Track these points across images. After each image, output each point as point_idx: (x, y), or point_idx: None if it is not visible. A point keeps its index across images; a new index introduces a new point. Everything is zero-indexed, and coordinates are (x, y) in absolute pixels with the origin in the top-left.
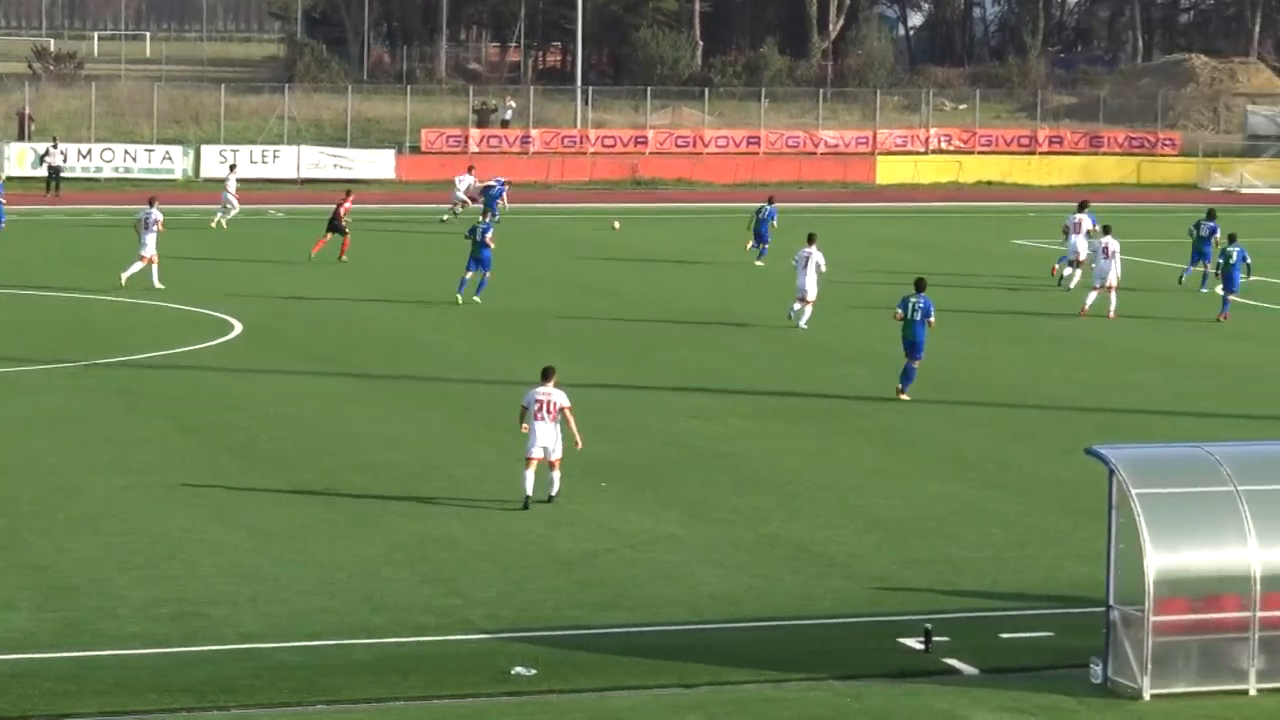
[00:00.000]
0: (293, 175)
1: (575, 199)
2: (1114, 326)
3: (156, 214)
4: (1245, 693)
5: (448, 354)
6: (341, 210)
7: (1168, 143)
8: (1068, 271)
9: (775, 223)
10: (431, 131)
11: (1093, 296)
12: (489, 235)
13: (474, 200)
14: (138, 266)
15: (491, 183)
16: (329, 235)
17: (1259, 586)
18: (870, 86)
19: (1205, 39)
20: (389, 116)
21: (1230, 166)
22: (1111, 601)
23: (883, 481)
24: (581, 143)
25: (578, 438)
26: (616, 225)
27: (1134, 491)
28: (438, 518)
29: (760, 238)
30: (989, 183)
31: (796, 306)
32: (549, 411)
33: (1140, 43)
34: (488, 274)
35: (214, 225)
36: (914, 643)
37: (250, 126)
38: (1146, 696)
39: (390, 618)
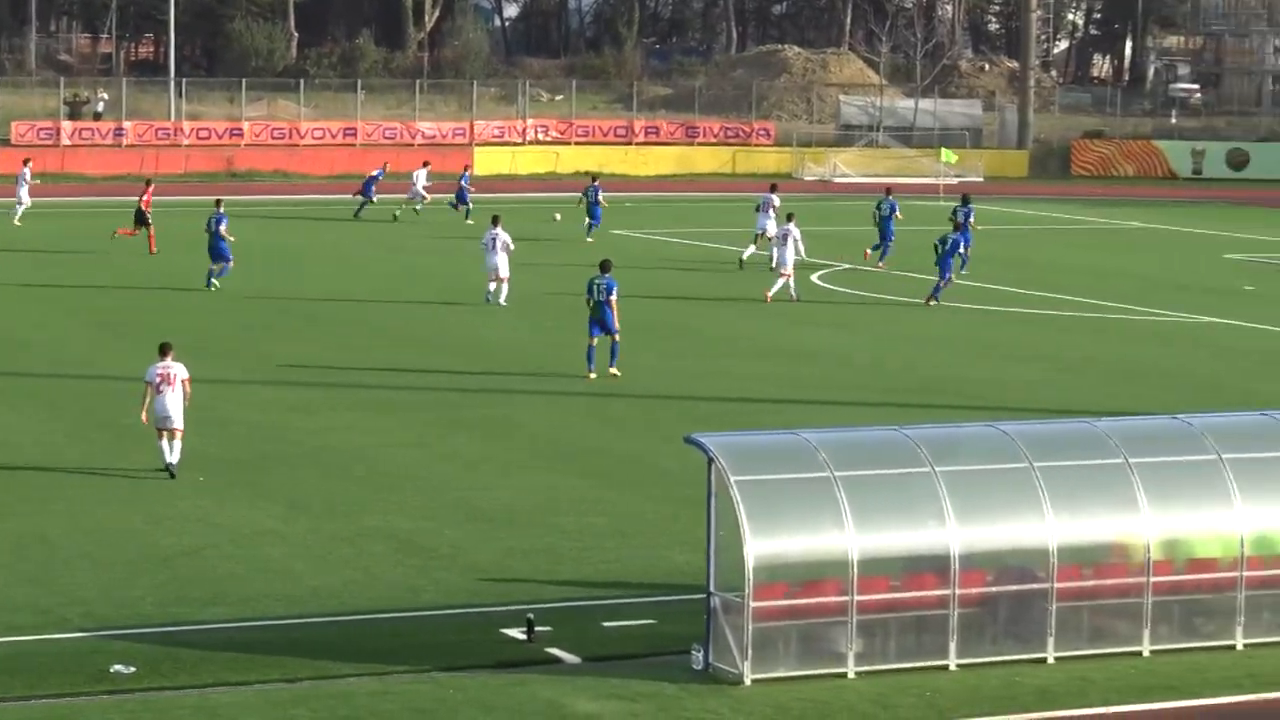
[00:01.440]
0: None
1: (171, 192)
2: (708, 313)
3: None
4: (844, 676)
5: (32, 349)
6: (144, 203)
7: (762, 133)
8: (748, 252)
9: (602, 198)
10: (22, 124)
11: (780, 283)
12: (223, 227)
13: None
14: None
15: (378, 172)
16: (137, 229)
17: (856, 571)
18: (467, 78)
19: (798, 30)
20: None
21: (824, 156)
22: (712, 588)
23: (482, 472)
24: (176, 135)
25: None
26: (557, 217)
27: (732, 479)
28: (32, 516)
29: (592, 215)
30: (586, 173)
31: (492, 287)
32: (170, 383)
33: (734, 34)
34: (228, 264)
35: (17, 222)
36: (517, 633)
37: None
38: (747, 682)
39: None
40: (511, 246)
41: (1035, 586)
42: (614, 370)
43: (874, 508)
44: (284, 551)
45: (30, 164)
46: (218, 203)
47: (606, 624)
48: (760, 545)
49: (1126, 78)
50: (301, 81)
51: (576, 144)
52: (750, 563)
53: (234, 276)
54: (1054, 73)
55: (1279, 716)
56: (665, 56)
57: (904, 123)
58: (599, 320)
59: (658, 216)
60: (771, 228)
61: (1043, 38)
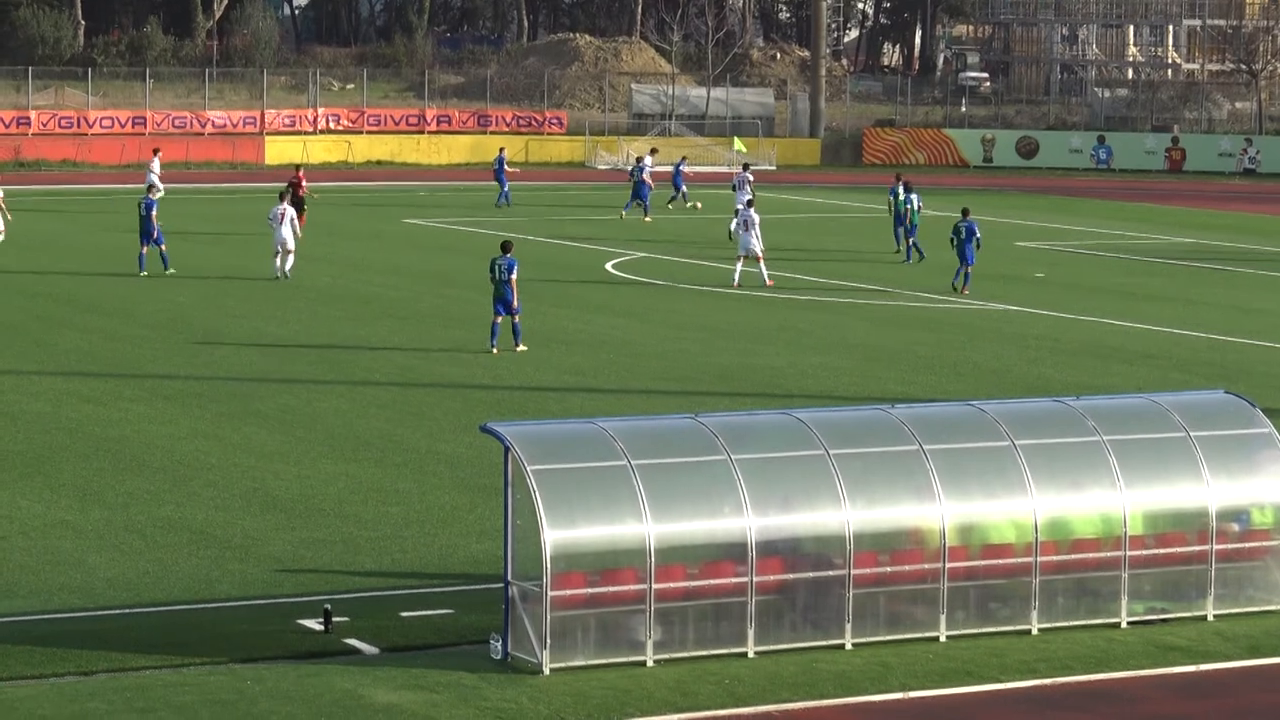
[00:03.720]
0: None
1: None
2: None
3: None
4: (643, 664)
5: None
6: (300, 189)
7: (555, 122)
8: (734, 224)
9: (648, 176)
10: None
11: (740, 267)
12: (154, 211)
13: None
14: None
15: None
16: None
17: (654, 559)
18: (257, 66)
19: (589, 19)
20: None
21: (616, 145)
22: (510, 577)
23: (279, 463)
24: None
25: None
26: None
27: (529, 468)
28: None
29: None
30: (378, 162)
31: (278, 261)
32: None
33: (525, 23)
34: (161, 246)
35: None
36: (314, 624)
37: None
38: (546, 671)
39: None
40: (297, 222)
41: (832, 573)
42: (521, 347)
43: (671, 496)
44: (77, 544)
45: (160, 153)
46: (150, 187)
47: (405, 614)
48: (558, 534)
49: (917, 66)
50: (89, 70)
51: (368, 133)
52: (548, 552)
53: (20, 265)
54: (845, 61)
55: (1073, 699)
56: (457, 45)
57: (696, 111)
58: (501, 299)
59: (451, 206)
60: (747, 196)
61: (833, 26)
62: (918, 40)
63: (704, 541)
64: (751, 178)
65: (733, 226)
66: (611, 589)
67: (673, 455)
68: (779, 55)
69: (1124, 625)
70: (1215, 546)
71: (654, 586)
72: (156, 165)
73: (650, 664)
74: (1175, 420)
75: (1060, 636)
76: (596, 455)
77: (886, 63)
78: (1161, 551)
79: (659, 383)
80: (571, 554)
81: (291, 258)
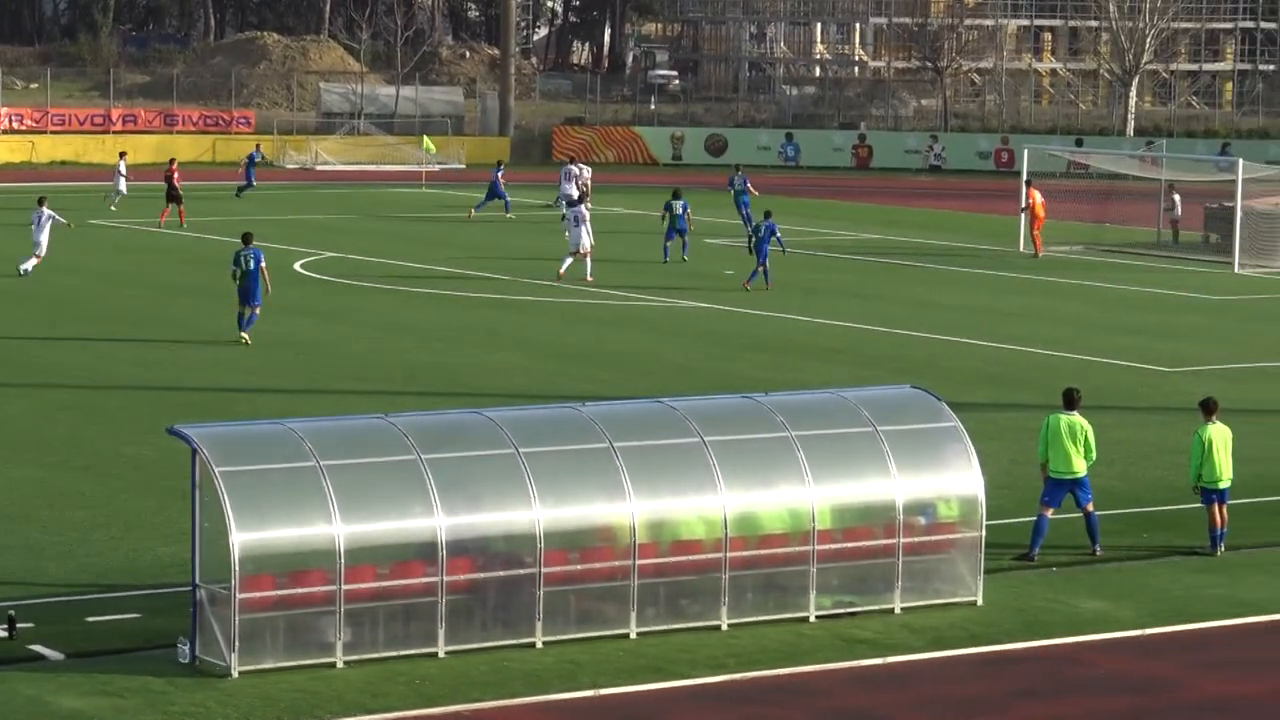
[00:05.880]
0: None
1: None
2: (184, 304)
3: (49, 212)
4: (333, 665)
5: None
6: (175, 180)
7: (243, 121)
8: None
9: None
10: None
11: (568, 261)
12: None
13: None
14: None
15: None
16: (170, 205)
17: (343, 560)
18: None
19: (277, 17)
20: None
21: (305, 144)
22: (198, 580)
23: None
24: None
25: None
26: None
27: (217, 469)
28: None
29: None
30: (63, 162)
31: (32, 263)
32: None
33: (213, 21)
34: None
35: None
36: None
37: None
38: (235, 674)
39: None
40: (62, 221)
41: (522, 572)
42: (245, 337)
43: (361, 496)
44: None
45: (125, 156)
46: (40, 200)
47: (91, 619)
48: (246, 536)
49: (606, 65)
50: None
51: (53, 133)
52: (236, 554)
53: None
54: (534, 60)
55: (762, 694)
56: (143, 44)
57: (385, 110)
58: (245, 290)
59: (138, 206)
60: (574, 192)
61: (522, 25)
62: (607, 38)
63: (394, 542)
64: (578, 170)
65: (562, 215)
66: (301, 590)
67: (362, 455)
68: (468, 54)
69: (812, 619)
70: (902, 540)
71: (343, 587)
72: (123, 167)
73: (340, 665)
74: (863, 415)
75: (749, 631)
76: (285, 456)
77: (576, 61)
78: (849, 545)
79: (348, 383)
80: (260, 556)
81: (34, 260)
